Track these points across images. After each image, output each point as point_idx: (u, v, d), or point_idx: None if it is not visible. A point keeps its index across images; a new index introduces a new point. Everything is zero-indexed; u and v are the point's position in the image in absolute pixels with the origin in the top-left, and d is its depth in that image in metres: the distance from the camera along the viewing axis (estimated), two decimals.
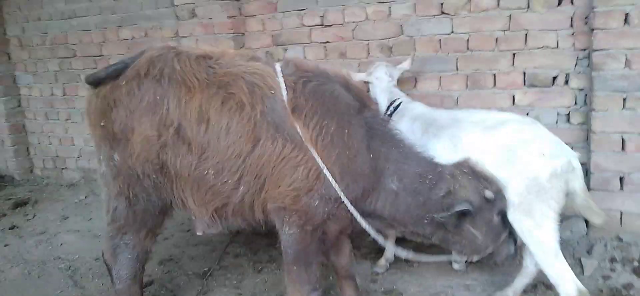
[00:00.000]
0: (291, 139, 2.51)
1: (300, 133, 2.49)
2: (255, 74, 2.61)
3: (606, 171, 3.69)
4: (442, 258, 3.13)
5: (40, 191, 6.51)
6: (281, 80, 2.60)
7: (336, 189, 2.49)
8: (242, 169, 2.56)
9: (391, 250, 3.86)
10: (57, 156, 6.78)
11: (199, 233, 2.92)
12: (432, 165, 2.71)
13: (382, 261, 3.85)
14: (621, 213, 3.71)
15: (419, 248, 4.06)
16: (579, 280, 3.33)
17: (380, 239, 2.81)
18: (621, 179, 3.67)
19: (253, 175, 2.57)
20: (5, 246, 4.89)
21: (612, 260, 3.55)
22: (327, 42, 4.75)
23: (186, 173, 2.63)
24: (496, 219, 2.68)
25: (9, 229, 5.30)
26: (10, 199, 6.19)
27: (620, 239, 3.69)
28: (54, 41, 6.37)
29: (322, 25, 4.75)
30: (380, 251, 3.93)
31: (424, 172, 2.65)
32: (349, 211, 2.60)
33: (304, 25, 4.82)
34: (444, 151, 2.98)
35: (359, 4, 4.55)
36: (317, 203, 2.55)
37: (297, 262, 2.66)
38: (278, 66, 2.68)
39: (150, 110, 2.60)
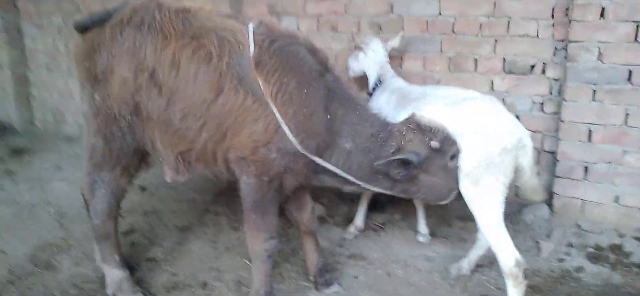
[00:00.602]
0: (253, 93, 2.65)
1: (262, 87, 2.62)
2: (227, 29, 2.75)
3: (572, 159, 3.82)
4: None
5: (39, 141, 6.74)
6: (251, 37, 2.72)
7: (292, 142, 2.64)
8: (206, 115, 2.71)
9: (361, 217, 4.06)
10: (56, 109, 6.98)
11: (168, 180, 3.09)
12: (383, 124, 2.87)
13: (351, 228, 4.04)
14: (582, 201, 3.85)
15: (390, 220, 4.30)
16: (535, 261, 3.58)
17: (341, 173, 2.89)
18: (585, 168, 3.81)
19: (215, 123, 2.72)
20: (0, 189, 5.11)
21: (569, 245, 3.70)
22: (320, 15, 4.87)
23: (156, 114, 2.80)
24: (451, 163, 2.81)
25: (5, 174, 5.52)
26: (8, 146, 6.42)
27: (579, 227, 3.83)
28: None
29: None
30: (351, 221, 4.12)
31: (376, 131, 2.80)
32: (304, 165, 2.76)
33: None
34: None
35: None
36: (274, 155, 2.70)
37: (254, 210, 2.83)
38: (250, 25, 2.80)
39: (129, 54, 2.76)
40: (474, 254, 3.40)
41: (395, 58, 4.51)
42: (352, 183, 2.92)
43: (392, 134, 2.80)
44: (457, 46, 4.29)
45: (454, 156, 2.81)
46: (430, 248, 3.86)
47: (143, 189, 5.04)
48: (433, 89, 3.41)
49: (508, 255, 2.82)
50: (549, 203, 4.04)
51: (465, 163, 2.83)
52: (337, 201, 4.65)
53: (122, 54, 2.78)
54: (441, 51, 4.37)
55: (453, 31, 4.28)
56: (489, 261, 3.55)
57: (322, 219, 4.34)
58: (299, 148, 2.67)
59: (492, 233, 2.86)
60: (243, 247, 3.82)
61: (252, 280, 3.03)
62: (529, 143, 2.89)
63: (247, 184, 2.80)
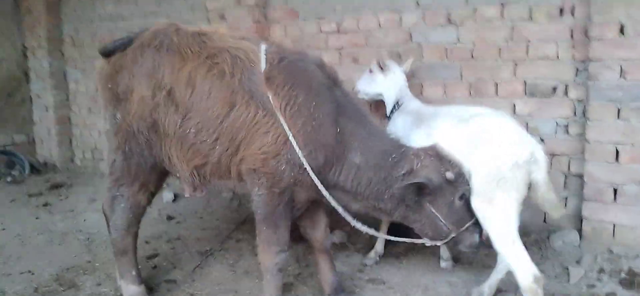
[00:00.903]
0: (263, 107, 2.74)
1: (271, 101, 2.71)
2: (240, 49, 2.89)
3: (599, 181, 3.68)
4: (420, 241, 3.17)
5: (76, 177, 7.04)
6: (263, 56, 2.85)
7: (299, 154, 2.68)
8: (219, 130, 2.81)
9: (382, 244, 3.99)
10: (95, 148, 7.30)
11: (187, 195, 3.18)
12: (397, 145, 2.90)
13: (372, 254, 3.97)
14: (614, 225, 3.67)
15: (413, 247, 4.21)
16: (563, 288, 3.41)
17: (339, 209, 2.93)
18: (615, 190, 3.65)
19: (228, 137, 2.81)
20: (36, 218, 5.35)
21: (601, 270, 3.51)
22: (342, 47, 5.00)
23: (172, 130, 2.92)
24: (458, 203, 2.80)
25: (43, 205, 5.79)
26: (48, 182, 6.74)
27: (611, 252, 3.63)
28: (102, 40, 6.92)
29: (338, 31, 5.01)
30: (373, 247, 4.06)
31: (389, 150, 2.82)
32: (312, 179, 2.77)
33: (322, 31, 5.11)
34: (419, 139, 3.15)
35: (372, 12, 4.79)
36: (283, 167, 2.75)
37: (265, 223, 2.86)
38: (263, 46, 2.94)
39: (148, 74, 2.92)
40: (494, 278, 3.27)
41: (416, 85, 4.55)
42: (360, 200, 2.92)
43: (407, 156, 2.82)
44: (477, 71, 4.29)
45: (463, 197, 2.80)
46: (453, 274, 3.74)
47: (170, 218, 5.17)
48: (446, 108, 3.42)
49: (525, 270, 2.72)
50: (578, 228, 3.87)
51: (477, 180, 2.79)
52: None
53: (141, 75, 2.95)
54: (461, 77, 4.38)
55: (472, 57, 4.30)
56: (514, 287, 3.40)
57: (343, 246, 4.31)
58: (304, 160, 2.69)
59: (508, 249, 2.77)
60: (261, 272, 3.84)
61: (263, 293, 3.01)
62: (541, 157, 2.83)
63: (258, 196, 2.84)
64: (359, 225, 3.01)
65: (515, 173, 2.73)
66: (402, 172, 2.73)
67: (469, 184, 2.79)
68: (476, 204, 2.79)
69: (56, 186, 6.51)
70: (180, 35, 2.95)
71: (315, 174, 2.74)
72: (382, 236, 3.56)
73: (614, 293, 3.25)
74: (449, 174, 2.70)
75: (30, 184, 6.71)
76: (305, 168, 2.72)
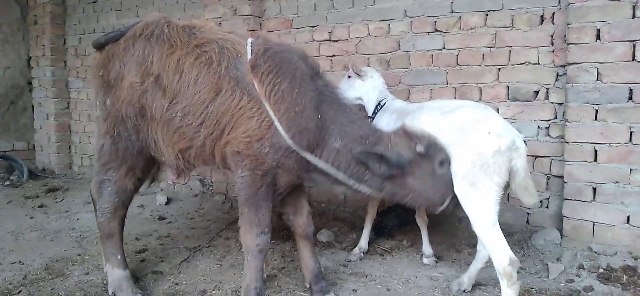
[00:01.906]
0: (248, 93, 2.87)
1: (256, 88, 2.85)
2: (227, 40, 3.04)
3: (579, 180, 3.76)
4: None
5: (73, 182, 7.15)
6: (249, 48, 3.00)
7: (284, 137, 2.79)
8: (205, 114, 2.93)
9: (366, 239, 4.06)
10: (93, 155, 7.41)
11: (169, 182, 3.27)
12: (373, 130, 3.03)
13: (356, 250, 4.03)
14: (593, 224, 3.73)
15: (398, 246, 4.28)
16: (543, 282, 3.47)
17: (325, 167, 2.97)
18: (594, 189, 3.73)
19: (214, 121, 2.93)
20: (31, 218, 5.42)
21: (580, 267, 3.56)
22: (334, 55, 5.17)
23: (159, 114, 3.03)
24: (440, 169, 2.88)
25: (38, 207, 5.86)
26: (45, 186, 6.84)
27: (590, 249, 3.69)
28: None
29: (330, 40, 5.19)
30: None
31: (365, 134, 2.95)
32: (296, 162, 2.89)
33: (314, 40, 5.28)
34: None
35: (362, 22, 4.96)
36: (267, 150, 2.85)
37: (247, 204, 2.94)
38: (250, 39, 3.09)
39: (138, 61, 3.05)
40: (474, 267, 3.33)
41: (404, 91, 4.69)
42: (342, 183, 3.01)
43: (381, 138, 2.95)
44: (461, 77, 4.43)
45: (443, 163, 2.89)
46: (435, 269, 3.80)
47: (162, 218, 5.24)
48: (429, 103, 3.55)
49: (502, 253, 2.79)
50: (559, 227, 3.93)
51: (461, 165, 2.89)
52: (347, 229, 4.68)
53: (132, 62, 3.08)
54: (447, 82, 4.52)
55: (457, 63, 4.45)
56: (493, 281, 3.46)
57: (329, 244, 4.37)
58: (290, 142, 2.81)
59: (487, 233, 2.85)
60: None
61: (244, 275, 3.07)
62: (521, 145, 2.93)
63: (241, 177, 2.93)
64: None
65: (497, 159, 2.83)
66: (379, 152, 2.84)
67: (445, 151, 2.88)
68: (459, 187, 2.89)
69: (52, 190, 6.60)
70: (170, 27, 3.10)
71: (298, 157, 2.85)
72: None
73: (591, 287, 3.30)
74: (419, 147, 2.80)
75: (27, 188, 6.81)
76: (288, 151, 2.83)
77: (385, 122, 3.71)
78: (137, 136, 3.16)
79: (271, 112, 2.80)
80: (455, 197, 2.93)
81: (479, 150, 2.86)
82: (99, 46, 3.31)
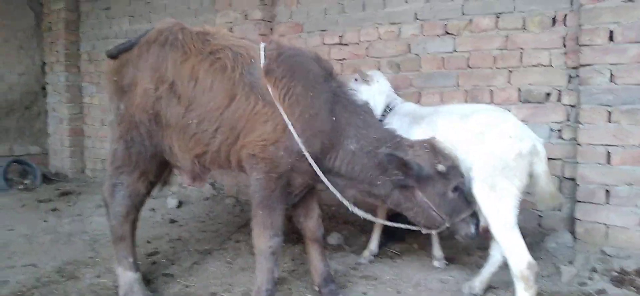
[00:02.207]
0: (262, 98, 2.89)
1: (271, 92, 2.86)
2: (241, 46, 3.07)
3: (592, 183, 3.72)
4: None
5: (86, 186, 7.22)
6: (262, 53, 3.02)
7: (297, 141, 2.80)
8: (220, 120, 2.95)
9: (375, 242, 4.05)
10: (105, 159, 7.48)
11: (185, 185, 3.28)
12: (392, 135, 3.00)
13: (366, 253, 4.02)
14: (606, 226, 3.69)
15: (408, 249, 4.26)
16: (556, 285, 3.44)
17: (337, 193, 3.01)
18: (607, 192, 3.68)
19: (229, 126, 2.95)
20: (44, 221, 5.48)
21: (593, 270, 3.52)
22: (344, 59, 5.18)
23: (174, 121, 3.05)
24: (451, 194, 2.86)
25: (51, 210, 5.93)
26: (58, 190, 6.92)
27: (603, 252, 3.64)
28: None
29: (340, 44, 5.20)
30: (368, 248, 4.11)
31: (383, 138, 2.93)
32: (309, 165, 2.87)
33: (324, 43, 5.30)
34: (421, 134, 3.23)
35: (372, 25, 4.97)
36: (281, 153, 2.86)
37: (261, 206, 2.94)
38: (262, 44, 3.12)
39: (152, 68, 3.08)
40: (487, 271, 3.30)
41: (414, 93, 4.67)
42: (353, 186, 3.01)
43: (401, 145, 2.93)
44: (473, 80, 4.41)
45: (457, 189, 2.87)
46: (445, 272, 3.77)
47: (173, 221, 5.27)
48: (445, 107, 3.53)
49: (520, 256, 2.78)
50: (572, 230, 3.89)
51: (482, 168, 2.88)
52: (357, 232, 4.67)
53: (146, 68, 3.10)
54: (458, 85, 4.50)
55: (468, 66, 4.42)
56: (505, 284, 3.43)
57: (339, 247, 4.37)
58: (302, 147, 2.81)
59: (505, 236, 2.84)
60: None
61: (255, 277, 3.07)
62: (542, 150, 2.94)
63: (256, 180, 2.94)
64: (356, 210, 3.08)
65: (518, 163, 2.83)
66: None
67: (462, 177, 2.87)
68: (478, 190, 2.88)
69: (65, 194, 6.68)
70: (184, 33, 3.12)
71: (313, 160, 2.85)
72: (377, 220, 3.60)
73: (605, 291, 3.25)
74: (441, 167, 2.78)
75: (41, 192, 6.89)
76: (303, 154, 2.83)
77: (396, 126, 3.68)
78: (150, 141, 3.19)
79: (285, 116, 2.81)
80: (453, 225, 2.91)
81: (501, 154, 2.86)
82: (112, 56, 3.33)
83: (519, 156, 2.84)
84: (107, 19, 7.37)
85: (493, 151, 2.87)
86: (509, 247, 2.81)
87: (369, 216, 3.19)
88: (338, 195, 3.01)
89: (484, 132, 2.95)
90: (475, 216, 2.96)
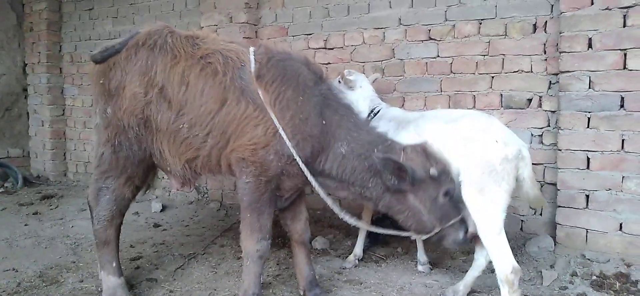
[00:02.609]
0: (253, 102, 2.90)
1: (261, 96, 2.87)
2: (231, 50, 3.06)
3: (572, 188, 3.79)
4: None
5: (69, 190, 7.13)
6: (252, 57, 3.03)
7: (287, 145, 2.82)
8: (211, 124, 2.95)
9: (360, 246, 4.07)
10: (88, 162, 7.41)
11: (174, 190, 3.27)
12: (383, 138, 3.04)
13: (351, 258, 4.04)
14: (586, 231, 3.76)
15: (392, 253, 4.29)
16: (537, 289, 3.50)
17: (327, 199, 3.02)
18: (587, 197, 3.76)
19: (220, 131, 2.95)
20: (25, 225, 5.40)
21: (573, 274, 3.59)
22: (329, 63, 5.20)
23: (165, 126, 3.05)
24: (442, 199, 2.89)
25: (33, 214, 5.84)
26: (40, 193, 6.82)
27: (584, 256, 3.72)
28: None
29: (325, 48, 5.22)
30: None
31: (374, 141, 2.96)
32: (300, 168, 2.89)
33: (309, 47, 5.32)
34: (408, 138, 3.24)
35: (357, 30, 5.00)
36: (271, 157, 2.88)
37: (250, 210, 2.95)
38: (252, 48, 3.12)
39: (141, 72, 3.06)
40: (471, 275, 3.34)
41: (398, 98, 4.71)
42: (343, 189, 3.03)
43: (393, 148, 2.96)
44: (455, 85, 4.46)
45: (447, 193, 2.90)
46: (430, 276, 3.81)
47: (157, 226, 5.23)
48: (430, 112, 3.60)
49: (505, 261, 2.83)
50: (553, 234, 3.96)
51: (470, 172, 2.92)
52: (342, 237, 4.70)
53: (134, 72, 3.08)
54: (441, 90, 4.55)
55: (451, 71, 4.48)
56: (487, 288, 3.49)
57: (324, 252, 4.38)
58: (293, 151, 2.83)
59: (493, 240, 2.88)
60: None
61: (242, 280, 3.08)
62: (527, 155, 2.99)
63: (245, 183, 2.94)
64: (345, 216, 3.10)
65: (505, 167, 2.88)
66: None
67: (453, 183, 2.90)
68: (467, 194, 2.91)
69: (47, 197, 6.58)
70: (173, 37, 3.11)
71: (303, 163, 2.87)
72: (365, 226, 3.62)
73: (585, 294, 3.32)
74: (433, 171, 2.81)
75: (22, 195, 6.78)
76: (293, 158, 2.85)
77: (383, 129, 3.71)
78: (139, 146, 3.16)
79: (276, 120, 2.83)
80: (441, 231, 2.94)
81: (487, 158, 2.90)
82: (96, 62, 3.29)
83: (505, 160, 2.88)
84: (90, 20, 7.29)
85: (480, 155, 2.91)
86: (496, 251, 2.85)
87: (357, 223, 3.21)
88: (327, 201, 3.02)
89: (469, 137, 2.99)
90: (463, 222, 2.99)
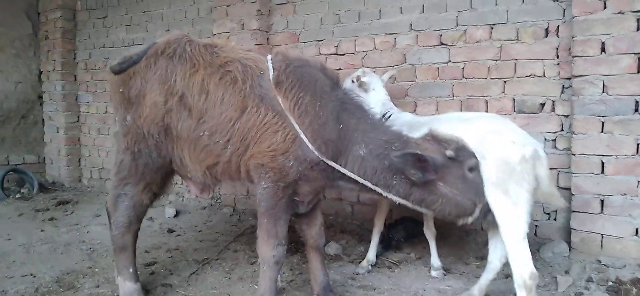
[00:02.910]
0: (273, 109, 2.95)
1: (281, 103, 2.92)
2: (249, 59, 3.12)
3: (586, 193, 3.77)
4: None
5: (84, 195, 7.22)
6: (270, 64, 3.09)
7: (311, 149, 2.86)
8: (232, 132, 3.00)
9: (373, 251, 4.08)
10: (102, 168, 7.52)
11: (193, 196, 3.32)
12: (398, 135, 3.04)
13: (364, 263, 4.05)
14: (602, 236, 3.74)
15: (406, 259, 4.29)
16: (552, 295, 3.45)
17: (358, 178, 2.99)
18: (602, 202, 3.74)
19: (240, 138, 3.00)
20: (41, 231, 5.47)
21: (589, 280, 3.56)
22: (340, 69, 5.21)
23: (186, 134, 3.10)
24: (469, 175, 2.86)
25: (49, 220, 5.92)
26: (55, 199, 6.92)
27: (599, 262, 3.69)
28: None
29: (336, 54, 5.25)
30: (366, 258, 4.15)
31: (391, 140, 2.97)
32: (319, 173, 2.95)
33: (320, 53, 5.35)
34: None
35: (368, 35, 5.02)
36: (291, 162, 2.91)
37: (267, 215, 2.99)
38: (269, 56, 3.18)
39: (161, 81, 3.11)
40: (485, 278, 3.32)
41: (410, 103, 4.73)
42: (369, 189, 3.03)
43: (409, 143, 2.96)
44: (467, 90, 4.47)
45: (473, 168, 2.88)
46: (444, 282, 3.81)
47: (171, 231, 5.28)
48: (443, 115, 3.59)
49: (525, 266, 2.83)
50: (567, 239, 3.94)
51: (490, 171, 2.90)
52: (355, 242, 4.71)
53: (154, 81, 3.13)
54: (453, 95, 4.55)
55: (463, 76, 4.48)
56: (501, 293, 3.48)
57: (337, 257, 4.39)
58: (316, 153, 2.87)
59: (516, 244, 2.87)
60: (257, 277, 3.92)
61: (258, 286, 3.11)
62: (543, 154, 2.97)
63: (263, 189, 2.98)
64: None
65: (523, 167, 2.87)
66: None
67: (474, 155, 2.87)
68: (492, 194, 2.89)
69: (62, 203, 6.67)
70: (192, 46, 3.16)
71: (323, 168, 2.92)
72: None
73: None
74: (449, 152, 2.81)
75: (38, 201, 6.88)
76: (312, 163, 2.90)
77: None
78: (158, 153, 3.21)
79: (296, 126, 2.87)
80: (486, 205, 2.91)
81: (506, 159, 2.89)
82: (115, 73, 3.32)
83: (523, 160, 2.87)
84: (104, 28, 7.40)
85: (497, 156, 2.90)
86: (517, 255, 2.85)
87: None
88: (359, 179, 2.98)
89: (485, 138, 2.99)
90: None
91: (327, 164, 2.93)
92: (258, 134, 2.96)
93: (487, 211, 2.94)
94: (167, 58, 3.13)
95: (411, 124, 3.64)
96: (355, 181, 3.02)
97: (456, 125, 3.18)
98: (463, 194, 2.87)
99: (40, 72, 7.93)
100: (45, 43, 7.75)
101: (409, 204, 3.04)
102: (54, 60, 7.67)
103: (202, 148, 3.10)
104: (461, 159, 2.85)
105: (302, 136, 2.87)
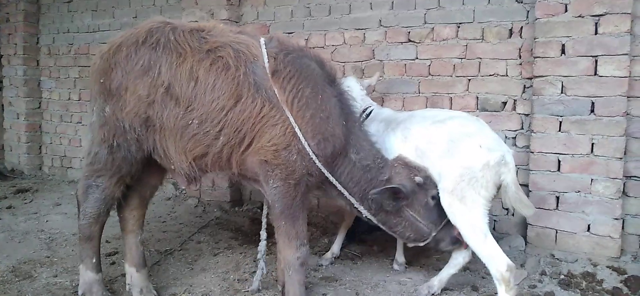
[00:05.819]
0: (269, 100, 2.79)
1: (277, 95, 2.78)
2: (241, 43, 2.90)
3: (543, 189, 3.90)
4: None
5: (43, 183, 7.02)
6: (264, 50, 2.88)
7: (304, 145, 2.76)
8: (224, 121, 2.82)
9: (338, 245, 4.11)
10: (64, 156, 7.31)
11: (182, 187, 3.22)
12: (379, 153, 3.08)
13: (328, 255, 4.08)
14: (556, 231, 3.87)
15: (368, 251, 4.35)
16: None
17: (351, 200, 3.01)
18: (557, 198, 3.87)
19: (233, 128, 2.83)
20: None
21: (542, 273, 3.69)
22: None
23: (172, 123, 2.90)
24: (431, 202, 2.96)
25: (6, 208, 5.73)
26: (14, 187, 6.70)
27: (553, 256, 3.83)
28: (78, 51, 7.08)
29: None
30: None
31: (376, 154, 3.01)
32: (318, 169, 2.85)
33: None
34: (396, 142, 3.29)
35: (338, 30, 5.04)
36: (295, 157, 2.79)
37: (284, 216, 2.86)
38: (262, 40, 3.00)
39: (143, 73, 2.90)
40: (446, 272, 3.38)
41: (377, 99, 4.76)
42: (342, 197, 3.04)
43: (387, 163, 3.01)
44: (433, 87, 4.54)
45: (434, 197, 2.96)
46: (404, 274, 3.87)
47: None
48: (419, 111, 3.59)
49: (499, 261, 2.87)
50: (524, 234, 4.06)
51: (450, 179, 2.94)
52: (319, 234, 4.74)
53: (136, 72, 2.94)
54: (419, 91, 4.62)
55: (429, 73, 4.55)
56: (459, 286, 3.56)
57: None
58: (309, 151, 2.77)
59: (480, 244, 2.91)
60: (220, 269, 3.91)
61: (287, 291, 3.02)
62: (511, 161, 3.00)
63: (274, 188, 2.86)
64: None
65: (485, 173, 2.90)
66: (384, 178, 2.93)
67: (436, 186, 2.96)
68: (447, 201, 2.93)
69: (22, 191, 6.47)
70: (176, 33, 2.96)
71: (323, 165, 2.82)
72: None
73: (553, 293, 3.41)
74: (418, 179, 2.90)
75: None
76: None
77: (374, 131, 3.70)
78: (138, 147, 3.05)
79: (293, 120, 2.76)
80: (438, 233, 3.00)
81: (468, 163, 2.92)
82: None
83: (486, 166, 2.89)
84: (69, 13, 7.18)
85: (461, 160, 2.93)
86: (486, 254, 2.89)
87: None
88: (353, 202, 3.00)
89: (454, 140, 3.01)
90: (450, 223, 3.03)
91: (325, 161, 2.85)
92: (255, 126, 2.82)
93: (439, 240, 3.05)
94: (149, 49, 2.93)
95: (389, 121, 3.63)
96: (335, 187, 2.97)
97: (427, 125, 3.21)
98: (424, 220, 2.98)
99: (1, 56, 7.64)
100: (6, 26, 7.46)
101: (374, 221, 3.09)
102: (16, 44, 7.39)
103: (190, 137, 2.92)
104: (426, 186, 2.94)
105: (297, 130, 2.74)
